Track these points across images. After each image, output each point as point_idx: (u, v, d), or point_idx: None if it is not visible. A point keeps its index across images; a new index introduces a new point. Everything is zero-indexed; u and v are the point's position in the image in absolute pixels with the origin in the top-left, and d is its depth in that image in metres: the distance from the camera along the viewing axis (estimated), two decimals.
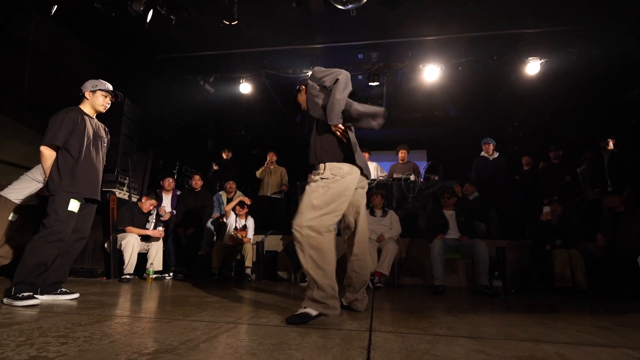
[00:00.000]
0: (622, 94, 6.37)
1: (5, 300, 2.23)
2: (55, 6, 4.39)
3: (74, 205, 2.52)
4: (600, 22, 5.02)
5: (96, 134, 2.75)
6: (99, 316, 1.93)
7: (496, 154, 6.07)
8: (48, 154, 2.55)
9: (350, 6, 4.17)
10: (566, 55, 5.56)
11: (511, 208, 5.76)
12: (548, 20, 5.05)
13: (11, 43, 4.75)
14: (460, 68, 5.98)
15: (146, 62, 6.17)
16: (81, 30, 5.35)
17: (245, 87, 6.70)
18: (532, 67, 5.82)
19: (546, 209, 5.10)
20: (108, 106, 2.84)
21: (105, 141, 2.89)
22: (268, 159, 6.75)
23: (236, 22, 4.68)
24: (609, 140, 5.48)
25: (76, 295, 2.61)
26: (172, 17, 4.74)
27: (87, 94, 2.76)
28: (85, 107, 2.76)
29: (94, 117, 2.82)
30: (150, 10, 4.52)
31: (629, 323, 2.25)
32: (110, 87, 2.82)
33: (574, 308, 3.01)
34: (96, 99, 2.76)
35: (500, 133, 7.28)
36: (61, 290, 2.60)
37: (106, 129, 2.93)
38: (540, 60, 5.75)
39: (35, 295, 2.30)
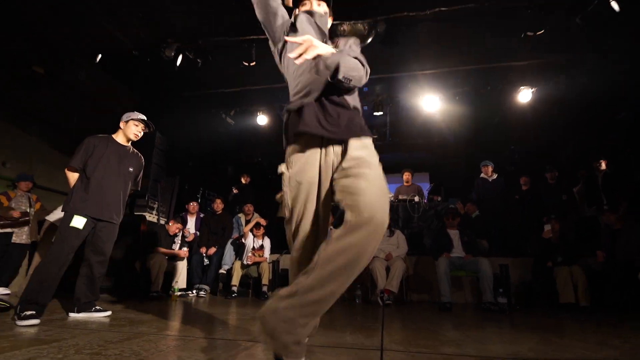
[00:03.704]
0: (611, 116, 6.27)
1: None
2: (100, 55, 4.63)
3: (77, 222, 2.46)
4: (586, 53, 5.02)
5: (122, 159, 2.75)
6: (129, 334, 1.91)
7: (495, 175, 5.97)
8: (69, 175, 2.63)
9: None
10: (555, 84, 5.54)
11: (512, 226, 5.61)
12: (536, 52, 5.07)
13: (63, 87, 5.00)
14: (457, 97, 6.00)
15: (175, 98, 6.39)
16: (120, 73, 5.61)
17: (262, 119, 6.84)
18: (524, 95, 5.80)
19: (547, 226, 4.94)
20: (140, 134, 2.86)
21: (135, 167, 2.87)
22: None
23: (254, 63, 4.83)
24: (601, 161, 5.36)
25: (108, 313, 2.61)
26: (198, 60, 4.93)
27: (121, 124, 2.83)
28: (118, 136, 2.81)
29: (128, 144, 2.86)
30: (179, 55, 4.71)
31: (631, 339, 2.11)
32: (142, 117, 2.83)
33: (578, 324, 2.86)
34: (129, 128, 2.80)
35: (498, 155, 7.19)
36: (95, 309, 2.59)
37: (139, 154, 2.94)
38: (532, 89, 5.74)
39: (37, 315, 2.14)
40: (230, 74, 5.74)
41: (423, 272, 4.77)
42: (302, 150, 1.35)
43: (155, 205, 5.29)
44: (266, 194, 7.23)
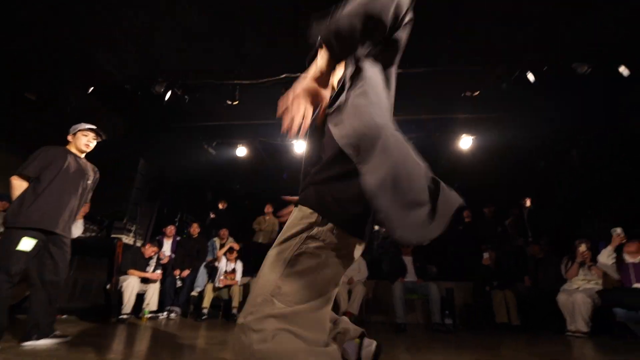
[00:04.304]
0: (533, 164, 6.86)
1: None
2: (92, 87, 4.49)
3: (25, 244, 2.06)
4: (513, 111, 5.54)
5: (80, 172, 2.44)
6: None
7: None
8: (16, 184, 2.24)
9: None
10: (490, 135, 6.02)
11: (456, 254, 5.81)
12: (474, 108, 5.52)
13: (53, 113, 4.73)
14: (412, 141, 6.30)
15: (161, 128, 6.24)
16: (109, 102, 5.42)
17: (242, 151, 6.80)
18: (465, 142, 6.23)
19: (486, 255, 5.17)
20: (92, 144, 2.54)
21: (91, 179, 2.55)
22: (265, 210, 6.73)
23: (237, 102, 4.88)
24: (526, 199, 5.79)
25: (68, 338, 2.26)
26: (185, 96, 4.90)
27: (69, 137, 2.51)
28: (71, 148, 2.51)
29: (82, 156, 2.54)
30: (169, 91, 4.67)
31: (553, 358, 2.21)
32: (89, 126, 2.51)
33: (511, 343, 2.96)
34: (78, 139, 2.49)
35: None
36: (54, 334, 2.22)
37: (95, 168, 2.61)
38: (471, 137, 6.19)
39: None
40: (214, 110, 5.74)
41: (381, 295, 4.77)
42: None
43: (133, 228, 4.99)
44: (242, 219, 7.07)
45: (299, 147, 6.62)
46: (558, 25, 3.53)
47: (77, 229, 4.11)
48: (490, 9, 3.38)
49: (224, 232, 5.32)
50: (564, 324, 3.58)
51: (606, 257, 3.52)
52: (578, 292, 3.60)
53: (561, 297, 3.68)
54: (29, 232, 2.12)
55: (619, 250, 3.52)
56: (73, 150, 2.50)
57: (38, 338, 2.14)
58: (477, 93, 4.59)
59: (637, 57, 3.88)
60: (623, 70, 3.93)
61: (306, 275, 0.82)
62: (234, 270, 4.62)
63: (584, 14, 3.39)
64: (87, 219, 4.54)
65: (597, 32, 3.61)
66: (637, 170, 4.81)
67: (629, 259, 3.42)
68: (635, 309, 3.10)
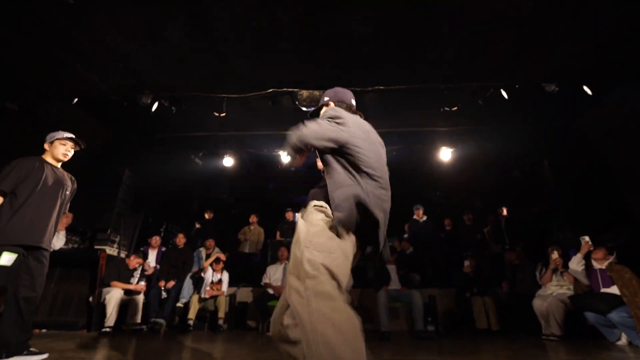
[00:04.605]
0: (508, 173, 7.16)
1: None
2: (76, 99, 4.41)
3: (5, 259, 2.01)
4: (489, 125, 5.80)
5: (58, 182, 2.35)
6: None
7: (425, 217, 6.40)
8: None
9: (312, 108, 4.54)
10: (468, 147, 6.27)
11: (439, 261, 5.94)
12: (453, 122, 5.75)
13: (35, 123, 4.60)
14: (394, 153, 6.50)
15: (147, 138, 6.16)
16: (94, 112, 5.33)
17: (228, 161, 6.79)
18: (445, 153, 6.45)
19: (466, 262, 5.31)
20: (70, 153, 2.43)
21: (70, 189, 2.46)
22: (250, 220, 6.67)
23: (224, 114, 4.90)
24: (503, 208, 6.02)
25: (45, 356, 2.14)
26: (172, 107, 4.89)
27: (46, 146, 2.40)
28: (47, 158, 2.39)
29: (59, 165, 2.44)
30: (155, 102, 4.65)
31: (529, 357, 2.31)
32: (68, 135, 2.41)
33: (491, 348, 3.05)
34: (55, 148, 2.38)
35: (427, 200, 7.73)
36: (29, 351, 2.11)
37: (72, 178, 2.51)
38: (451, 149, 6.42)
39: None
40: (201, 121, 5.73)
41: (366, 303, 4.81)
42: None
43: (117, 239, 4.86)
44: (228, 229, 7.00)
45: (285, 158, 6.67)
46: (528, 47, 3.78)
47: (59, 241, 4.00)
48: (465, 32, 3.59)
49: (210, 242, 5.27)
50: (540, 327, 3.73)
51: (576, 264, 3.70)
52: (552, 297, 3.76)
53: (536, 302, 3.83)
54: (9, 247, 2.05)
55: (587, 257, 3.71)
56: (49, 159, 2.40)
57: (7, 356, 2.02)
58: (455, 108, 4.80)
59: (598, 78, 4.19)
60: (587, 90, 4.23)
61: None
62: (220, 281, 4.57)
63: (552, 40, 3.65)
64: (70, 230, 4.41)
65: (562, 56, 3.88)
66: (602, 181, 5.12)
67: (596, 265, 3.61)
68: (602, 313, 3.26)
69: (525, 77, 4.28)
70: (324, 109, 1.66)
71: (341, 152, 1.34)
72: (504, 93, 4.35)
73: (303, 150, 1.35)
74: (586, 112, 5.07)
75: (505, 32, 3.56)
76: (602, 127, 5.07)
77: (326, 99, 1.73)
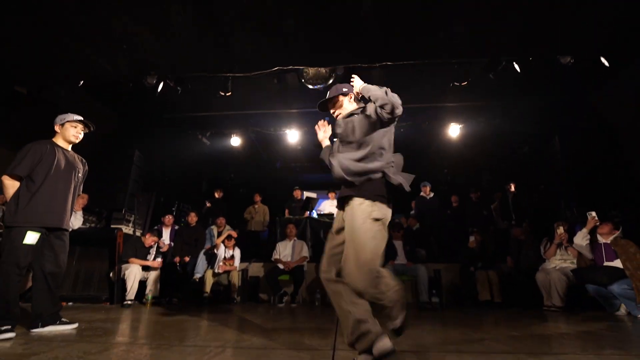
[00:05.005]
0: (517, 149, 7.04)
1: None
2: (82, 81, 4.41)
3: (30, 238, 2.11)
4: (499, 100, 5.65)
5: (70, 165, 2.39)
6: (106, 344, 1.85)
7: (432, 194, 6.42)
8: (8, 184, 2.19)
9: (318, 86, 4.47)
10: (477, 123, 6.14)
11: (445, 237, 6.02)
12: (462, 97, 5.61)
13: (42, 106, 4.66)
14: (402, 130, 6.42)
15: (154, 120, 6.19)
16: (101, 95, 5.35)
17: (235, 141, 6.83)
18: (454, 130, 6.36)
19: (472, 238, 5.38)
20: (80, 135, 2.46)
21: (82, 172, 2.50)
22: (254, 199, 6.79)
23: (230, 93, 4.87)
24: (511, 184, 5.99)
25: (75, 325, 2.31)
26: (178, 87, 4.87)
27: (57, 128, 2.42)
28: (58, 140, 2.42)
29: (69, 148, 2.47)
30: (161, 83, 4.63)
31: (529, 331, 2.41)
32: (78, 117, 2.43)
33: (492, 319, 3.16)
34: (66, 130, 2.41)
35: (434, 177, 7.72)
36: (61, 321, 2.27)
37: (83, 160, 2.55)
38: (459, 125, 6.31)
39: (12, 329, 1.98)
40: (207, 101, 5.71)
41: None
42: None
43: (132, 218, 5.04)
44: (237, 207, 7.15)
45: (292, 136, 6.66)
46: (543, 19, 3.60)
47: (77, 221, 4.16)
48: (477, 2, 3.42)
49: (221, 220, 5.42)
50: (542, 300, 3.83)
51: (581, 238, 3.73)
52: (555, 271, 3.83)
53: (539, 276, 3.91)
54: (30, 227, 2.15)
55: (593, 232, 3.73)
56: (60, 142, 2.42)
57: (43, 325, 2.18)
58: (465, 83, 4.66)
59: (616, 50, 3.99)
60: (604, 61, 4.05)
61: None
62: (232, 257, 4.75)
63: (567, 11, 3.47)
64: (86, 210, 4.58)
65: (579, 27, 3.70)
66: (612, 158, 5.02)
67: (601, 239, 3.63)
68: (603, 285, 3.33)
69: (539, 50, 4.11)
70: (343, 98, 1.80)
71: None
72: (516, 66, 4.19)
73: (394, 112, 1.54)
74: (600, 87, 4.88)
75: (519, 2, 3.39)
76: (616, 102, 4.90)
77: (345, 89, 1.79)
